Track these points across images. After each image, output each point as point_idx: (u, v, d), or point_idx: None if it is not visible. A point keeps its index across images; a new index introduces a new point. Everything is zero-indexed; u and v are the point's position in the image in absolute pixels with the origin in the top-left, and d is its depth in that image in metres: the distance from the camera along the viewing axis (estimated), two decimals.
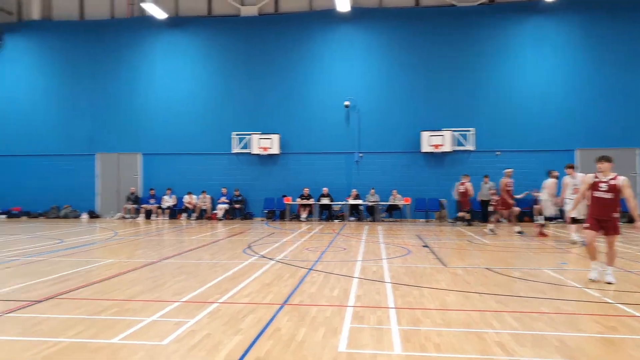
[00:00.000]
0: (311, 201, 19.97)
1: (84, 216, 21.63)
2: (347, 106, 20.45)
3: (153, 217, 20.90)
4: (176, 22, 21.87)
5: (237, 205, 20.62)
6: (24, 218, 21.79)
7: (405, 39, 20.57)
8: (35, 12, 22.81)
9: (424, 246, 11.44)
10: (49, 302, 5.99)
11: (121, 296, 6.29)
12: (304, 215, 19.87)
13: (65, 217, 21.59)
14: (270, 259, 9.42)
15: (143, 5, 20.01)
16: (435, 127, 19.75)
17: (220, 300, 6.02)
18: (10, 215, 22.02)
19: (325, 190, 20.01)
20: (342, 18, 20.64)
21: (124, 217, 21.07)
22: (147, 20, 21.75)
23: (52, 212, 21.88)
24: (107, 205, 22.09)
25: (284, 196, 20.32)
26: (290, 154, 20.99)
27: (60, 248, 11.22)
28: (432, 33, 20.40)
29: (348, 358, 4.07)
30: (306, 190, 20.05)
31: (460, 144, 19.87)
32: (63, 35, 22.54)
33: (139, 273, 8.00)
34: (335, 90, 20.66)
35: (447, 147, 19.61)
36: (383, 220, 19.49)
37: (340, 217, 20.03)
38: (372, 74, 20.81)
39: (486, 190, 16.82)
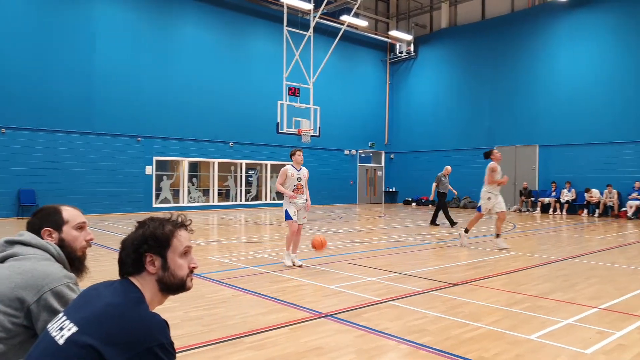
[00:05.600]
0: None
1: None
2: None
3: (550, 211, 20.03)
4: (582, 1, 20.07)
5: None
6: (430, 206, 24.55)
7: None
8: (443, 21, 25.26)
9: None
10: (465, 286, 6.48)
11: (532, 291, 6.22)
12: None
13: (464, 207, 23.17)
14: None
15: None
16: None
17: None
18: (419, 203, 25.26)
19: None
20: None
21: (519, 210, 21.01)
22: (548, 7, 20.88)
23: (453, 202, 23.84)
24: (504, 197, 22.40)
25: None
26: None
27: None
28: None
29: None
30: None
31: None
32: (466, 38, 24.11)
33: (546, 269, 7.75)
34: None
35: None
36: None
37: None
38: None
39: None
